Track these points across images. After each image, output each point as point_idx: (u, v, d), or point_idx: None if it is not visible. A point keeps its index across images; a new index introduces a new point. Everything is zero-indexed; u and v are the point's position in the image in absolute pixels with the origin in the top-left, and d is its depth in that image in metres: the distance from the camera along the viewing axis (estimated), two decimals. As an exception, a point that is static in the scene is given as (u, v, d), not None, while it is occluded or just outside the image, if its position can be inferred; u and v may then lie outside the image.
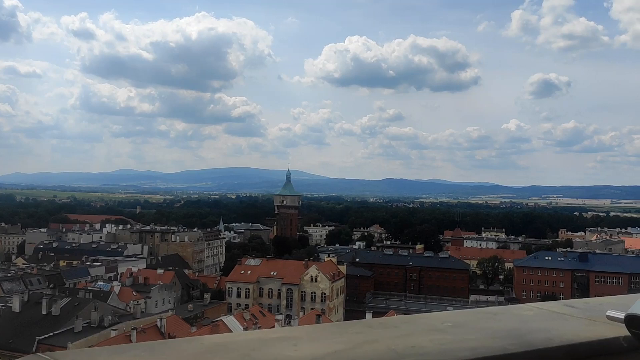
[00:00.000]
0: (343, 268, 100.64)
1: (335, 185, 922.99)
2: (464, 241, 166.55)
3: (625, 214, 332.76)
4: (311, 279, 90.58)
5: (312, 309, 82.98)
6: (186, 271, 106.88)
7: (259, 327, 51.31)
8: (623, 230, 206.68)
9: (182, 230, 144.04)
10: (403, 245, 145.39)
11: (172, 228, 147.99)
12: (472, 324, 2.64)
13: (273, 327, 42.06)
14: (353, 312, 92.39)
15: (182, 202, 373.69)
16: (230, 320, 59.87)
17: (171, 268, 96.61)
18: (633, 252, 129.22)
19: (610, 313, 2.04)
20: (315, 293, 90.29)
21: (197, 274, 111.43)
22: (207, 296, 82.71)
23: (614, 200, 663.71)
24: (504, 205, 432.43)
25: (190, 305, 76.41)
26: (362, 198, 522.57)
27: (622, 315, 2.14)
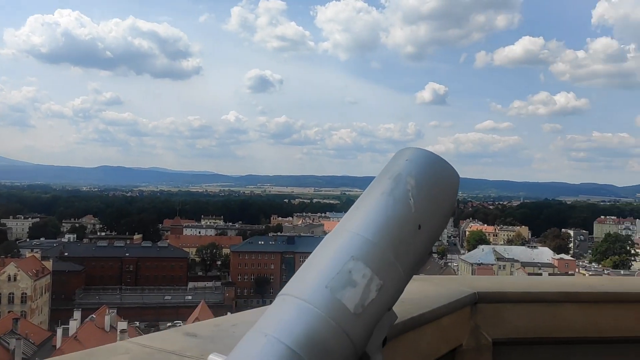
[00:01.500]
0: (49, 264, 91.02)
1: (42, 173, 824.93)
2: (184, 229, 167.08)
3: (324, 200, 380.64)
4: (9, 279, 79.55)
5: (9, 311, 72.88)
6: None
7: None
8: (323, 214, 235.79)
9: None
10: (119, 236, 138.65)
11: None
12: None
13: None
14: (60, 311, 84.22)
15: None
16: None
17: None
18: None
19: (212, 357, 1.41)
20: (14, 294, 79.64)
21: None
22: None
23: (316, 188, 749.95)
24: (222, 194, 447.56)
25: None
26: (73, 187, 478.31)
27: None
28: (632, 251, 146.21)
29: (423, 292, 2.84)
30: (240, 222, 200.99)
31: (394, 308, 1.47)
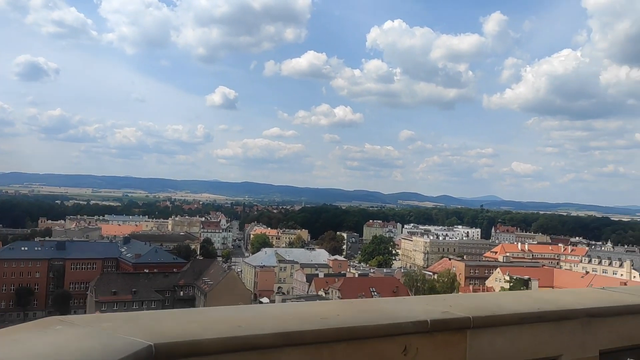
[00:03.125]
0: None
1: None
2: None
3: (104, 202, 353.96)
4: None
5: None
6: None
7: None
8: (101, 217, 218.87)
9: None
10: None
11: None
12: None
13: None
14: None
15: None
16: None
17: None
18: (107, 238, 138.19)
19: None
20: None
21: None
22: None
23: (95, 189, 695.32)
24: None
25: None
26: None
27: None
28: (393, 251, 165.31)
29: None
30: (1, 225, 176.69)
31: None
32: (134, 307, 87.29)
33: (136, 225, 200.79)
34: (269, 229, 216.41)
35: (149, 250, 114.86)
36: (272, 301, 76.42)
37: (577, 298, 3.72)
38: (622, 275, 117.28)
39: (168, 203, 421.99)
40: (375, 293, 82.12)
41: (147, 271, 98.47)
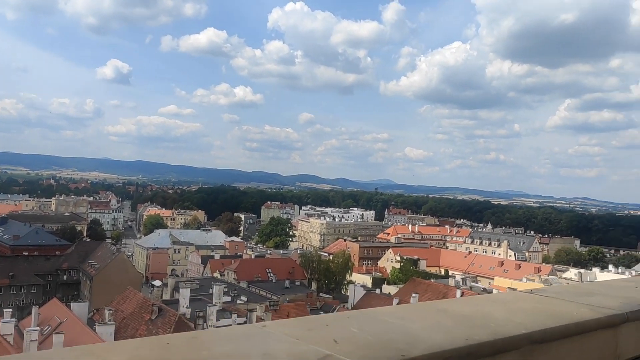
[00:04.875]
0: None
1: None
2: None
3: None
4: None
5: None
6: None
7: None
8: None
9: None
10: None
11: None
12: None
13: None
14: None
15: None
16: None
17: None
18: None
19: None
20: None
21: None
22: None
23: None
24: None
25: None
26: None
27: None
28: (291, 233, 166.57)
29: None
30: None
31: None
32: (12, 292, 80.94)
33: (15, 205, 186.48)
34: (164, 209, 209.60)
35: (29, 231, 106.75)
36: (165, 284, 73.93)
37: (509, 315, 2.65)
38: (499, 254, 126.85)
39: (52, 181, 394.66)
40: (272, 274, 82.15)
41: (26, 254, 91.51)
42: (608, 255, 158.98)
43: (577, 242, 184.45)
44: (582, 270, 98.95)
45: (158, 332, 41.49)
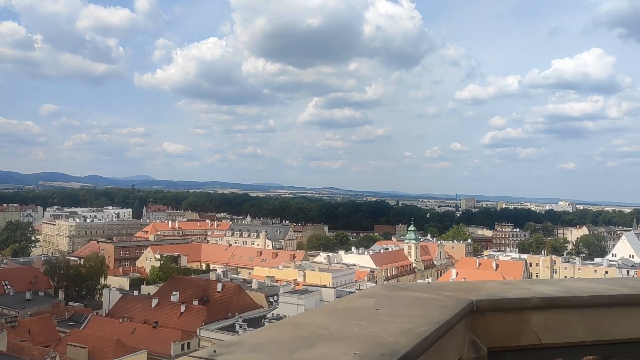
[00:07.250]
0: None
1: None
2: None
3: None
4: None
5: None
6: None
7: None
8: None
9: None
10: None
11: None
12: None
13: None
14: None
15: None
16: None
17: None
18: None
19: None
20: None
21: None
22: None
23: None
24: None
25: None
26: None
27: None
28: (33, 238, 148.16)
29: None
30: None
31: None
32: None
33: None
34: None
35: None
36: None
37: None
38: (258, 245, 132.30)
39: None
40: (9, 286, 71.60)
41: None
42: (351, 238, 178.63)
43: (325, 228, 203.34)
44: (330, 254, 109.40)
45: None
